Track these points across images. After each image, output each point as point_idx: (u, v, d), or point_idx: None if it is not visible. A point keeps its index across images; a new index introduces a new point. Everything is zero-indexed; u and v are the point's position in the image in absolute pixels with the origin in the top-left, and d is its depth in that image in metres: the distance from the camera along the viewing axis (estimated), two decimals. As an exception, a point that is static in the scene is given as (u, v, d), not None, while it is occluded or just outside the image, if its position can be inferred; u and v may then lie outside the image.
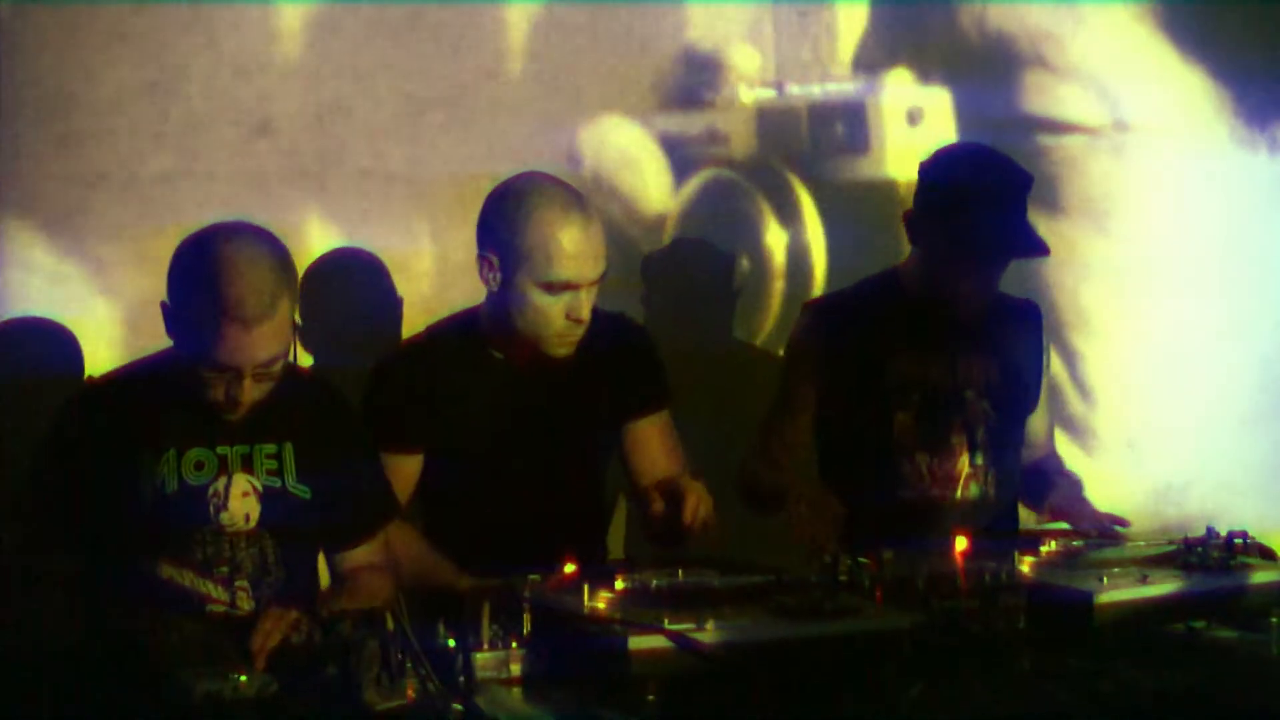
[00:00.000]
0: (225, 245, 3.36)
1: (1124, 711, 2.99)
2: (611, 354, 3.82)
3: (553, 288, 3.63)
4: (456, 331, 3.81)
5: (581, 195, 3.73)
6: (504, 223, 3.66)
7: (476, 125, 4.72)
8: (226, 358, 3.30)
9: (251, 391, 3.36)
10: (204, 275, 3.33)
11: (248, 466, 3.46)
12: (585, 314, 3.66)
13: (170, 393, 3.42)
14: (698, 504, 3.49)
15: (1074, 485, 4.14)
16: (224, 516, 3.44)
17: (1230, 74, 5.38)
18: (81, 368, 4.57)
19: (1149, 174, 5.34)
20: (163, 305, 3.39)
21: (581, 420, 3.81)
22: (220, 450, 3.45)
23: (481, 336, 3.76)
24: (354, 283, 4.62)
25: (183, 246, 3.42)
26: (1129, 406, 5.38)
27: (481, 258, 3.70)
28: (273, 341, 3.31)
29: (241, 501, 3.45)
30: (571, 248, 3.61)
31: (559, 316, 3.65)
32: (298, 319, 3.47)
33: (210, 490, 3.43)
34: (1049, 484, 4.12)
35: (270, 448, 3.47)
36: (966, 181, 3.92)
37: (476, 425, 3.74)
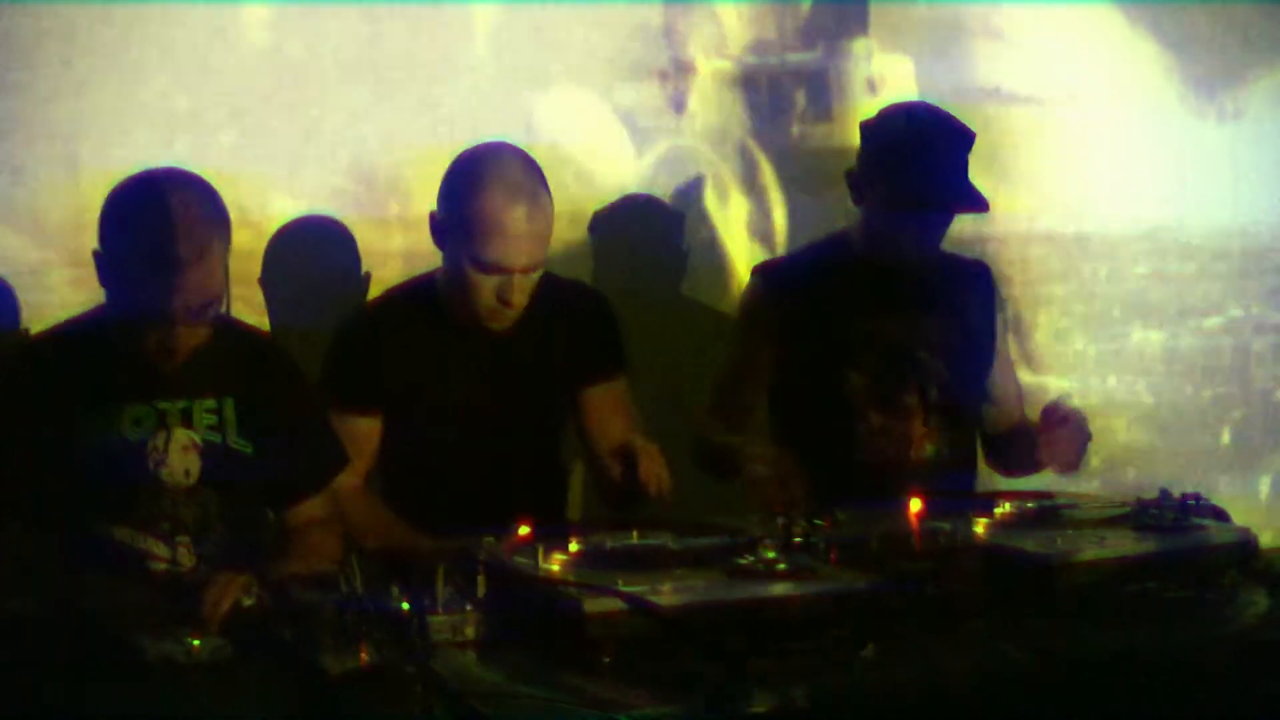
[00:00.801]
0: (151, 189, 3.38)
1: (1079, 671, 2.99)
2: (568, 320, 3.82)
3: (485, 267, 3.62)
4: (415, 295, 3.81)
5: (540, 176, 3.70)
6: (454, 191, 3.66)
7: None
8: (156, 303, 3.28)
9: (185, 340, 3.34)
10: (130, 220, 3.35)
11: (187, 421, 3.44)
12: (516, 299, 3.67)
13: (106, 347, 3.41)
14: (653, 466, 3.48)
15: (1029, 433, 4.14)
16: (164, 472, 3.42)
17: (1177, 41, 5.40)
18: (17, 321, 4.55)
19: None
20: (95, 254, 3.38)
21: (537, 385, 3.81)
22: (159, 405, 3.43)
23: (438, 300, 3.75)
24: (319, 249, 4.59)
25: (112, 193, 3.42)
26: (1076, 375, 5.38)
27: (432, 220, 3.69)
28: (203, 286, 3.30)
29: (181, 456, 3.43)
30: (510, 231, 3.61)
31: (490, 296, 3.65)
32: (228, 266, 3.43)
33: (150, 446, 3.41)
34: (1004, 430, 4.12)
35: (210, 402, 3.46)
36: (905, 137, 3.95)
37: (433, 388, 3.74)
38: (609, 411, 3.88)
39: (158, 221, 3.28)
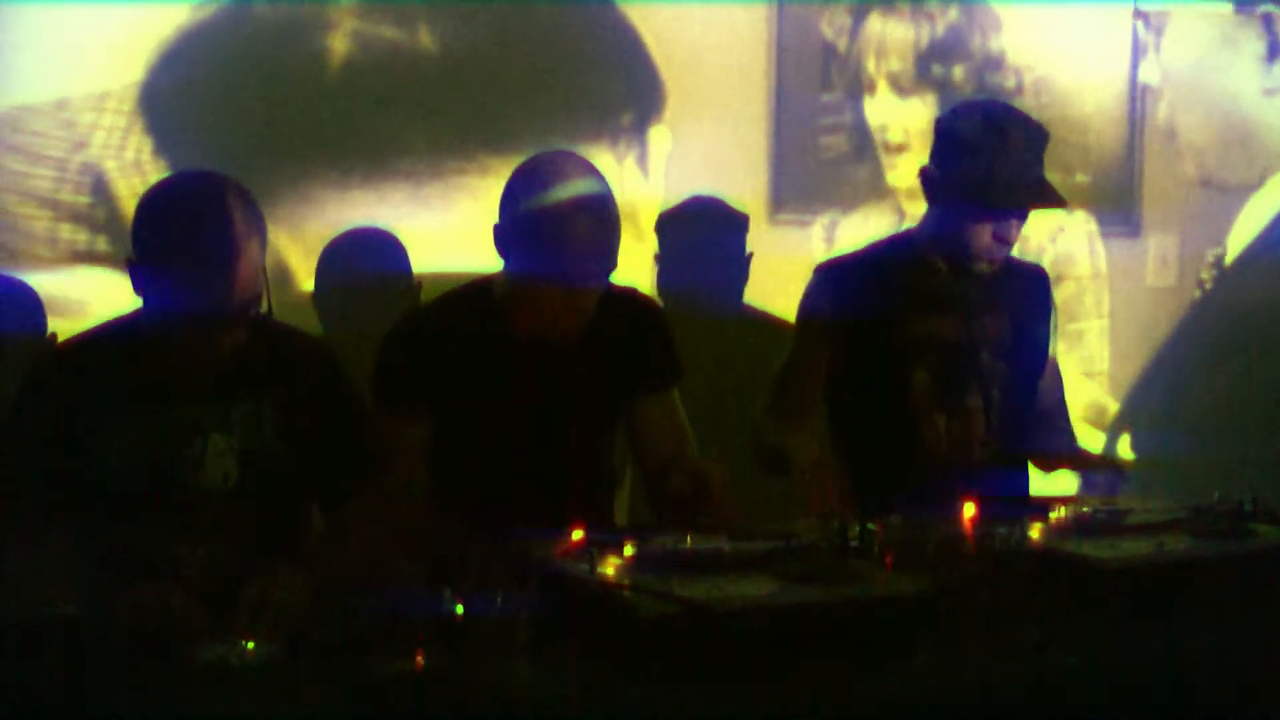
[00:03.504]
0: (184, 191, 3.38)
1: (1134, 678, 3.00)
2: (623, 331, 3.82)
3: (554, 279, 3.62)
4: (468, 300, 3.81)
5: (606, 185, 3.70)
6: (518, 200, 3.65)
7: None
8: (191, 306, 3.28)
9: (222, 342, 3.35)
10: (164, 223, 3.33)
11: (224, 425, 3.43)
12: (583, 310, 3.67)
13: (141, 352, 3.40)
14: (723, 488, 3.49)
15: (1071, 436, 4.18)
16: (201, 477, 3.41)
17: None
18: (44, 327, 4.60)
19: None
20: (128, 262, 3.39)
21: (589, 395, 3.81)
22: (195, 409, 3.42)
23: (493, 306, 3.76)
24: (370, 260, 4.68)
25: (143, 198, 3.42)
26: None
27: (497, 228, 3.69)
28: (238, 287, 3.30)
29: (219, 461, 3.42)
30: (585, 241, 3.61)
31: (557, 307, 3.66)
32: (267, 268, 3.43)
33: (186, 451, 3.41)
34: (1047, 435, 4.15)
35: (247, 405, 3.45)
36: (983, 135, 3.94)
37: (484, 394, 3.73)
38: (663, 423, 3.89)
39: (190, 222, 3.29)
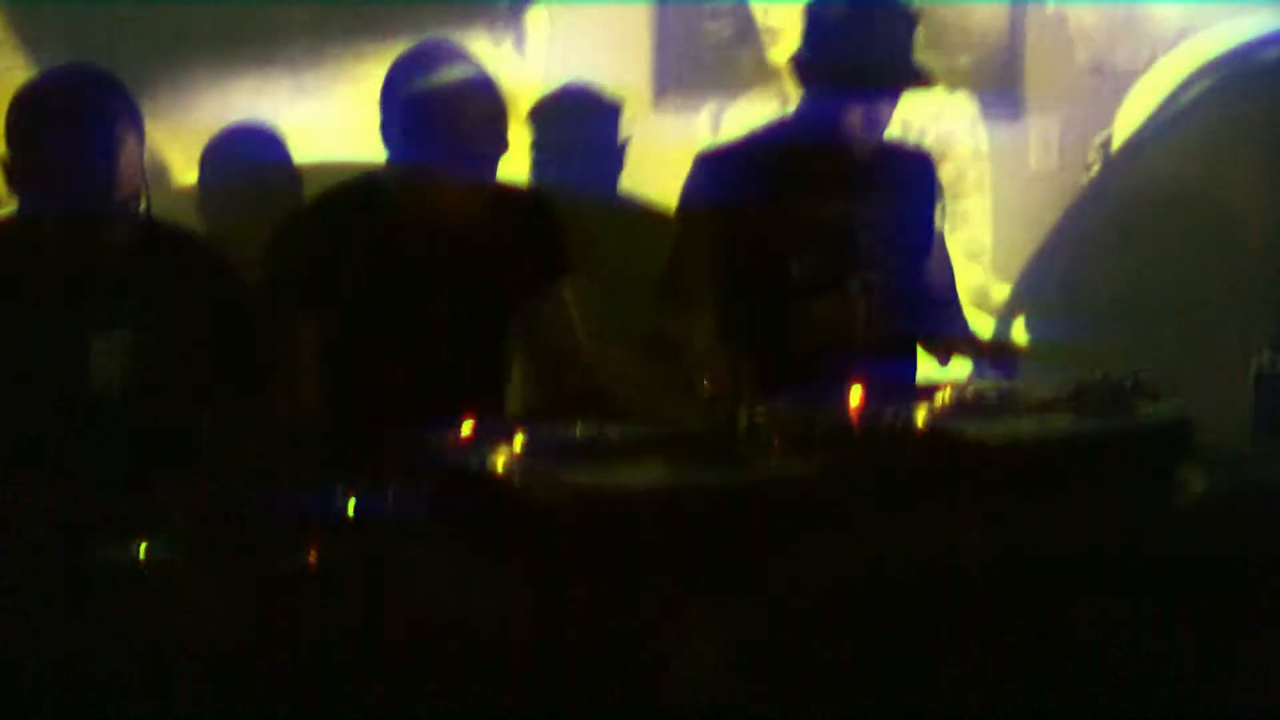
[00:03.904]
0: (59, 85, 3.38)
1: (1023, 556, 3.07)
2: (513, 224, 3.83)
3: (453, 161, 3.62)
4: (356, 194, 3.81)
5: (487, 72, 3.72)
6: (399, 91, 3.65)
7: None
8: (70, 202, 3.27)
9: (104, 241, 3.33)
10: (38, 118, 3.31)
11: (110, 324, 3.41)
12: (489, 185, 3.67)
13: (18, 253, 3.38)
14: (617, 374, 3.53)
15: (964, 322, 4.25)
16: (91, 376, 3.41)
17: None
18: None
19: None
20: (1, 162, 3.36)
21: (479, 289, 3.81)
22: (80, 310, 3.40)
23: (381, 199, 3.75)
24: (252, 155, 4.66)
25: (17, 93, 3.39)
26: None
27: (383, 124, 3.69)
28: (117, 182, 3.28)
29: (107, 361, 3.41)
30: (472, 120, 3.61)
31: (458, 188, 3.65)
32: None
33: (73, 351, 3.39)
34: (939, 320, 4.19)
35: (135, 301, 3.43)
36: (851, 18, 3.98)
37: (373, 289, 3.73)
38: (555, 316, 3.90)
39: (65, 117, 3.27)
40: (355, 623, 2.74)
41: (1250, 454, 3.62)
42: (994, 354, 4.03)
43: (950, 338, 4.15)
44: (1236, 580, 3.29)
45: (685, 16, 5.90)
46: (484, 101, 3.65)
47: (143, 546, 2.87)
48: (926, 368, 4.22)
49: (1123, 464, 3.38)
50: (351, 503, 2.92)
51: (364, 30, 5.49)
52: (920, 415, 3.41)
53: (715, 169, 4.16)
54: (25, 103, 3.35)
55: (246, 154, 4.72)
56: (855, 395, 3.37)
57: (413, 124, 3.65)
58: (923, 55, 4.09)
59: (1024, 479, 3.25)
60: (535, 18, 5.76)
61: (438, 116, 3.62)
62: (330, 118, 5.42)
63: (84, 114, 3.26)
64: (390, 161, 3.73)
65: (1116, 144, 6.12)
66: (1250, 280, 5.71)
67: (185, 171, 4.95)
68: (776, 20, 5.84)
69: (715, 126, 5.86)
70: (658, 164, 5.13)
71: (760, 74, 5.91)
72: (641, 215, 4.89)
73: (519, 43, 5.73)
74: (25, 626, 2.68)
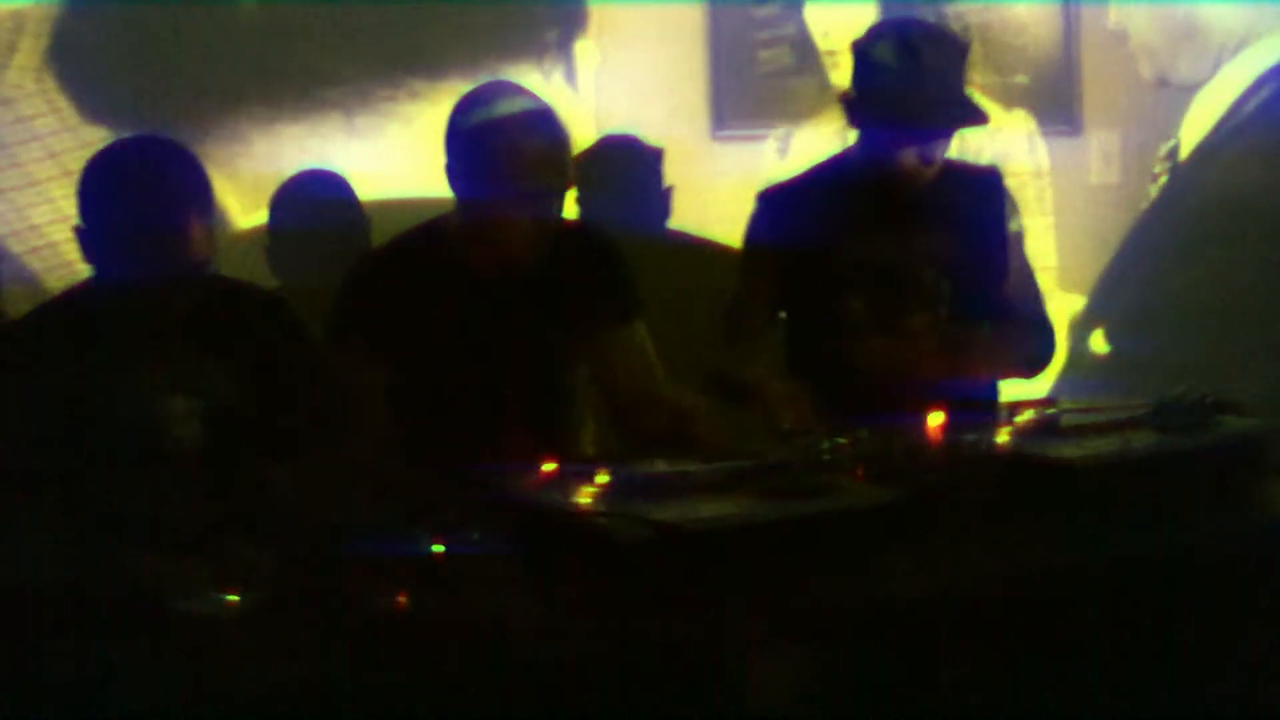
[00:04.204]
0: (129, 156, 3.40)
1: (1111, 576, 3.06)
2: (579, 264, 3.83)
3: (519, 198, 3.63)
4: (423, 238, 3.82)
5: (550, 110, 3.72)
6: (470, 130, 3.66)
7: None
8: (144, 270, 3.29)
9: (179, 304, 3.36)
10: (109, 188, 3.33)
11: (187, 386, 3.43)
12: (555, 224, 3.68)
13: (96, 319, 3.40)
14: (707, 423, 3.53)
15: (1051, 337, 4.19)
16: (168, 439, 3.43)
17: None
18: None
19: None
20: (76, 230, 3.39)
21: (547, 330, 3.81)
22: (156, 372, 3.41)
23: (448, 243, 3.76)
24: (321, 204, 4.71)
25: (88, 164, 3.41)
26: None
27: (449, 166, 3.70)
28: (189, 249, 3.30)
29: (184, 422, 3.43)
30: (537, 158, 3.61)
31: (525, 226, 3.66)
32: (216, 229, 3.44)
33: (151, 414, 3.41)
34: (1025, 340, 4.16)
35: (209, 364, 3.45)
36: (897, 56, 3.92)
37: (442, 333, 3.74)
38: (629, 357, 3.89)
39: (136, 186, 3.30)
40: (444, 665, 2.74)
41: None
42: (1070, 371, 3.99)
43: (1031, 356, 4.11)
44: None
45: (740, 45, 5.92)
46: (548, 138, 3.65)
47: (227, 599, 2.89)
48: (1009, 388, 4.19)
49: (1205, 480, 3.36)
50: (437, 547, 2.92)
51: (414, 70, 5.54)
52: (1002, 438, 3.40)
53: (777, 206, 4.14)
54: (98, 172, 3.38)
55: (315, 200, 4.74)
56: (936, 421, 3.36)
57: (478, 163, 3.66)
58: (979, 76, 4.06)
59: (1108, 498, 3.25)
60: (584, 50, 5.80)
61: (503, 155, 3.62)
62: (384, 158, 5.48)
63: (156, 183, 3.29)
64: (458, 203, 3.74)
65: (1184, 153, 6.11)
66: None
67: (243, 217, 5.01)
68: (839, 43, 5.85)
69: (782, 154, 5.87)
70: (719, 197, 5.16)
71: (823, 100, 5.93)
72: (696, 250, 4.90)
73: (570, 76, 5.76)
74: (114, 683, 2.68)
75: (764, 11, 5.97)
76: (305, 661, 2.72)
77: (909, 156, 3.95)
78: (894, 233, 4.03)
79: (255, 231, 4.87)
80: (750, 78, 5.97)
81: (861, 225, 4.03)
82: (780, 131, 5.96)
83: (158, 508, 3.37)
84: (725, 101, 5.95)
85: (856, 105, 4.01)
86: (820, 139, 5.81)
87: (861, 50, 4.01)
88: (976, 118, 3.99)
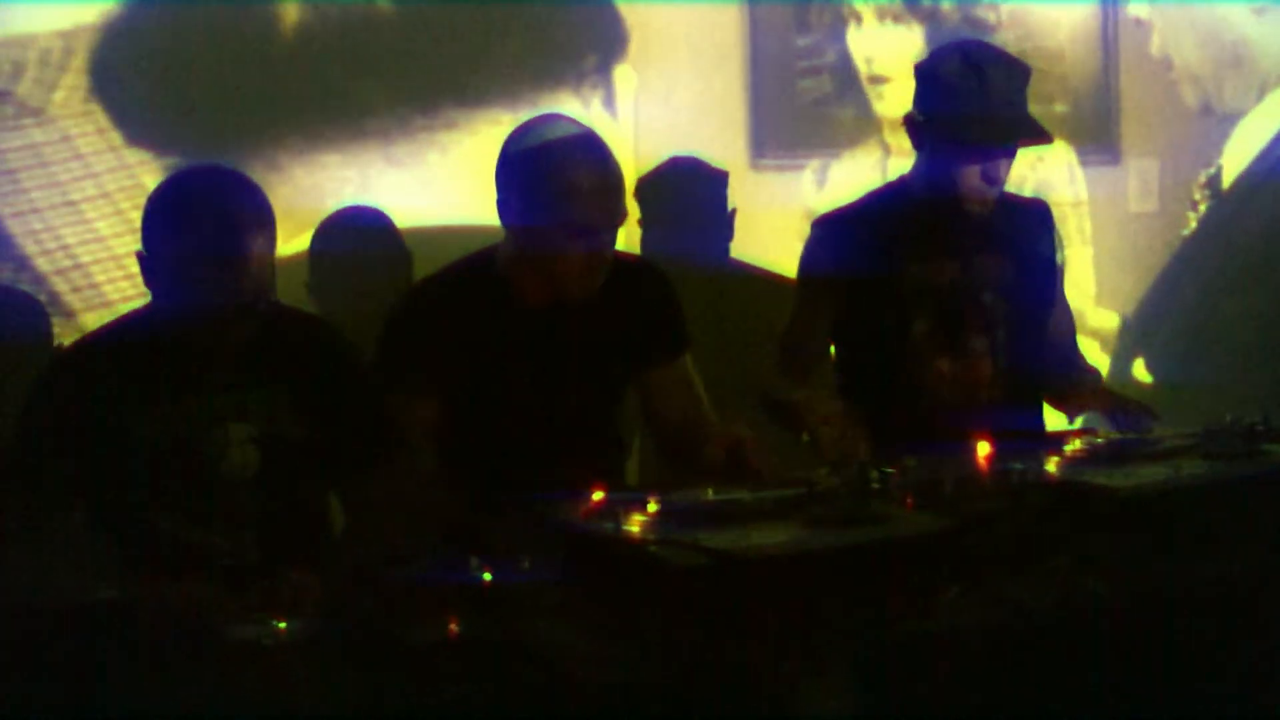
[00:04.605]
0: (196, 186, 3.43)
1: (1160, 602, 3.06)
2: (630, 299, 3.84)
3: (574, 231, 3.64)
4: (472, 271, 3.83)
5: (604, 145, 3.72)
6: (525, 163, 3.67)
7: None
8: (205, 301, 3.32)
9: (237, 333, 3.38)
10: (175, 217, 3.37)
11: (242, 414, 3.46)
12: (609, 257, 3.69)
13: (155, 345, 3.43)
14: (758, 456, 3.54)
15: (1096, 379, 4.20)
16: (223, 467, 3.45)
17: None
18: (50, 336, 4.65)
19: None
20: (138, 256, 3.42)
21: (597, 364, 3.82)
22: (213, 399, 3.45)
23: (497, 276, 3.77)
24: (362, 239, 4.77)
25: (154, 193, 3.46)
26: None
27: (500, 197, 3.71)
28: (250, 279, 3.34)
29: (240, 450, 3.46)
30: (593, 191, 3.63)
31: (580, 259, 3.67)
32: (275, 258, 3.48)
33: (207, 441, 3.44)
34: (1071, 381, 4.16)
35: (264, 392, 3.48)
36: (964, 76, 3.99)
37: (492, 365, 3.75)
38: (676, 391, 3.91)
39: (203, 216, 3.33)
40: (495, 692, 2.75)
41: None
42: (1121, 406, 3.99)
43: (1078, 388, 4.13)
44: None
45: (780, 73, 5.94)
46: (601, 172, 3.66)
47: (277, 626, 2.90)
48: (1054, 418, 4.21)
49: (1256, 508, 3.36)
50: (487, 575, 2.94)
51: (451, 99, 5.56)
52: (1050, 466, 3.41)
53: (833, 233, 4.17)
54: (163, 203, 3.41)
55: (356, 234, 4.79)
56: (984, 450, 3.38)
57: (532, 195, 3.66)
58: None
59: (1158, 526, 3.25)
60: (623, 76, 5.82)
61: (557, 186, 3.63)
62: (421, 187, 5.50)
63: (222, 213, 3.33)
64: (509, 236, 3.75)
65: (1226, 182, 6.11)
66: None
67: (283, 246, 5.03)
68: (883, 70, 5.88)
69: (820, 184, 5.89)
70: (758, 227, 5.18)
71: (864, 129, 5.95)
72: (755, 281, 4.92)
73: (608, 103, 5.78)
74: (166, 707, 2.70)
75: (805, 40, 5.99)
76: (354, 688, 2.75)
77: (973, 177, 4.00)
78: (956, 255, 4.07)
79: (294, 259, 4.89)
80: (790, 106, 5.99)
81: (925, 248, 4.08)
82: (817, 164, 5.98)
83: (211, 534, 3.40)
84: (765, 129, 5.97)
85: (922, 126, 4.06)
86: (858, 169, 5.86)
87: (927, 71, 4.07)
88: (1041, 136, 4.05)
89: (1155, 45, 6.10)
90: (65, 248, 5.40)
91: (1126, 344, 6.11)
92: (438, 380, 3.74)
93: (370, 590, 3.02)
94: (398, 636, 2.84)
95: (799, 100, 5.98)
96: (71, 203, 5.41)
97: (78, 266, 5.39)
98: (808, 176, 5.96)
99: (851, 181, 5.55)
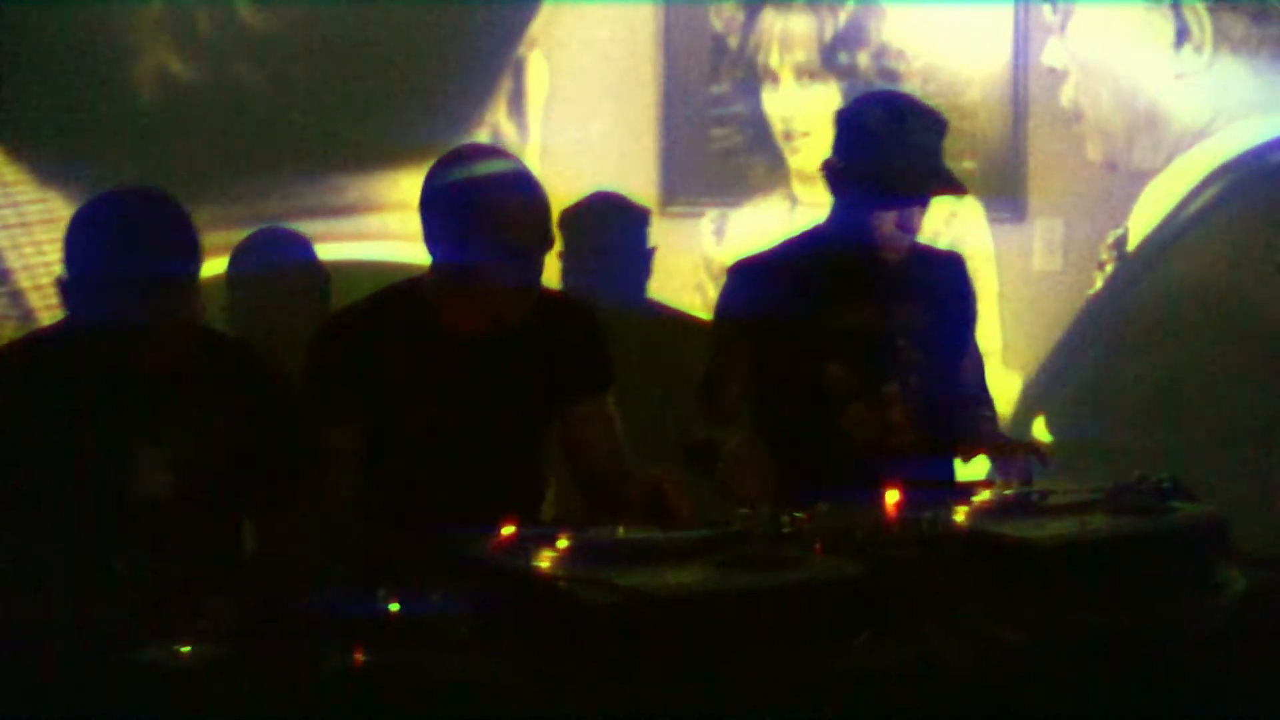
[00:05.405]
0: (120, 208, 3.43)
1: (1075, 652, 3.10)
2: (556, 333, 3.86)
3: (500, 260, 3.66)
4: (397, 299, 3.83)
5: (531, 175, 3.77)
6: (450, 193, 3.68)
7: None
8: (128, 319, 3.31)
9: (157, 355, 3.37)
10: (100, 238, 3.37)
11: (157, 436, 3.45)
12: (537, 283, 3.71)
13: (67, 367, 3.42)
14: (678, 499, 3.54)
15: (992, 420, 4.28)
16: (135, 489, 3.43)
17: None
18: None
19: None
20: (58, 281, 3.41)
21: (520, 397, 3.83)
22: (127, 421, 3.44)
23: (423, 304, 3.78)
24: (280, 260, 4.78)
25: (76, 215, 3.46)
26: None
27: (425, 228, 3.72)
28: (174, 301, 3.34)
29: (152, 473, 3.44)
30: (519, 221, 3.65)
31: (505, 288, 3.68)
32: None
33: (118, 463, 3.43)
34: (972, 425, 4.23)
35: (181, 415, 3.47)
36: (884, 125, 4.05)
37: (415, 395, 3.75)
38: (595, 429, 3.92)
39: (126, 238, 3.33)
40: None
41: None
42: (1026, 457, 4.04)
43: (981, 441, 4.18)
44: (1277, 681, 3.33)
45: (692, 123, 5.99)
46: (528, 198, 3.69)
47: (186, 651, 2.89)
48: (965, 468, 4.26)
49: (1161, 564, 3.42)
50: (395, 605, 2.94)
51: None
52: (961, 516, 3.45)
53: (750, 278, 4.22)
54: (85, 223, 3.40)
55: (275, 257, 4.78)
56: (894, 497, 3.41)
57: (457, 225, 3.68)
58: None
59: (1064, 579, 3.29)
60: (534, 114, 5.84)
61: (482, 216, 3.65)
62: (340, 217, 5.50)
63: (143, 234, 3.32)
64: (434, 266, 3.76)
65: (1133, 243, 6.19)
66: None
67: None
68: (800, 125, 5.94)
69: (718, 234, 5.93)
70: (663, 270, 5.21)
71: (772, 180, 6.00)
72: (671, 321, 4.96)
73: (521, 136, 5.81)
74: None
75: (718, 89, 6.04)
76: (258, 716, 2.74)
77: (888, 225, 4.06)
78: (871, 301, 4.13)
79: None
80: (700, 154, 6.04)
81: (840, 293, 4.14)
82: (715, 213, 6.03)
83: (123, 558, 3.38)
84: (676, 178, 6.01)
85: (841, 173, 4.11)
86: (759, 219, 5.91)
87: (847, 119, 4.16)
88: (956, 187, 4.13)
89: (1066, 96, 6.18)
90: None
91: (1028, 402, 6.18)
92: (359, 408, 3.73)
93: (279, 617, 3.02)
94: (302, 664, 2.84)
95: (709, 148, 6.03)
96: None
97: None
98: (705, 225, 6.02)
99: (753, 231, 5.61)
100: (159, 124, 5.52)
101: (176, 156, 5.38)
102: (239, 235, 4.93)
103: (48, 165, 5.40)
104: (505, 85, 5.87)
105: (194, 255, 3.39)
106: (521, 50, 5.88)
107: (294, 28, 5.64)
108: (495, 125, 5.87)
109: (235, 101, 5.62)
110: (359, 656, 2.84)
